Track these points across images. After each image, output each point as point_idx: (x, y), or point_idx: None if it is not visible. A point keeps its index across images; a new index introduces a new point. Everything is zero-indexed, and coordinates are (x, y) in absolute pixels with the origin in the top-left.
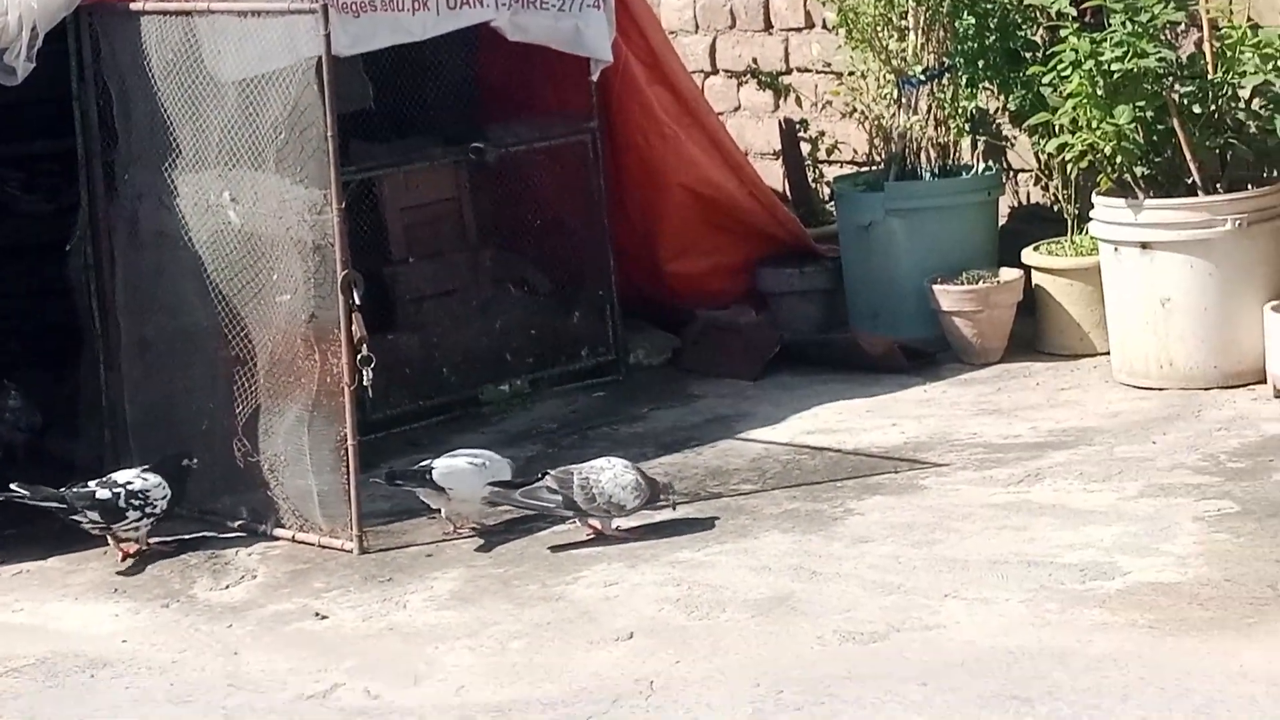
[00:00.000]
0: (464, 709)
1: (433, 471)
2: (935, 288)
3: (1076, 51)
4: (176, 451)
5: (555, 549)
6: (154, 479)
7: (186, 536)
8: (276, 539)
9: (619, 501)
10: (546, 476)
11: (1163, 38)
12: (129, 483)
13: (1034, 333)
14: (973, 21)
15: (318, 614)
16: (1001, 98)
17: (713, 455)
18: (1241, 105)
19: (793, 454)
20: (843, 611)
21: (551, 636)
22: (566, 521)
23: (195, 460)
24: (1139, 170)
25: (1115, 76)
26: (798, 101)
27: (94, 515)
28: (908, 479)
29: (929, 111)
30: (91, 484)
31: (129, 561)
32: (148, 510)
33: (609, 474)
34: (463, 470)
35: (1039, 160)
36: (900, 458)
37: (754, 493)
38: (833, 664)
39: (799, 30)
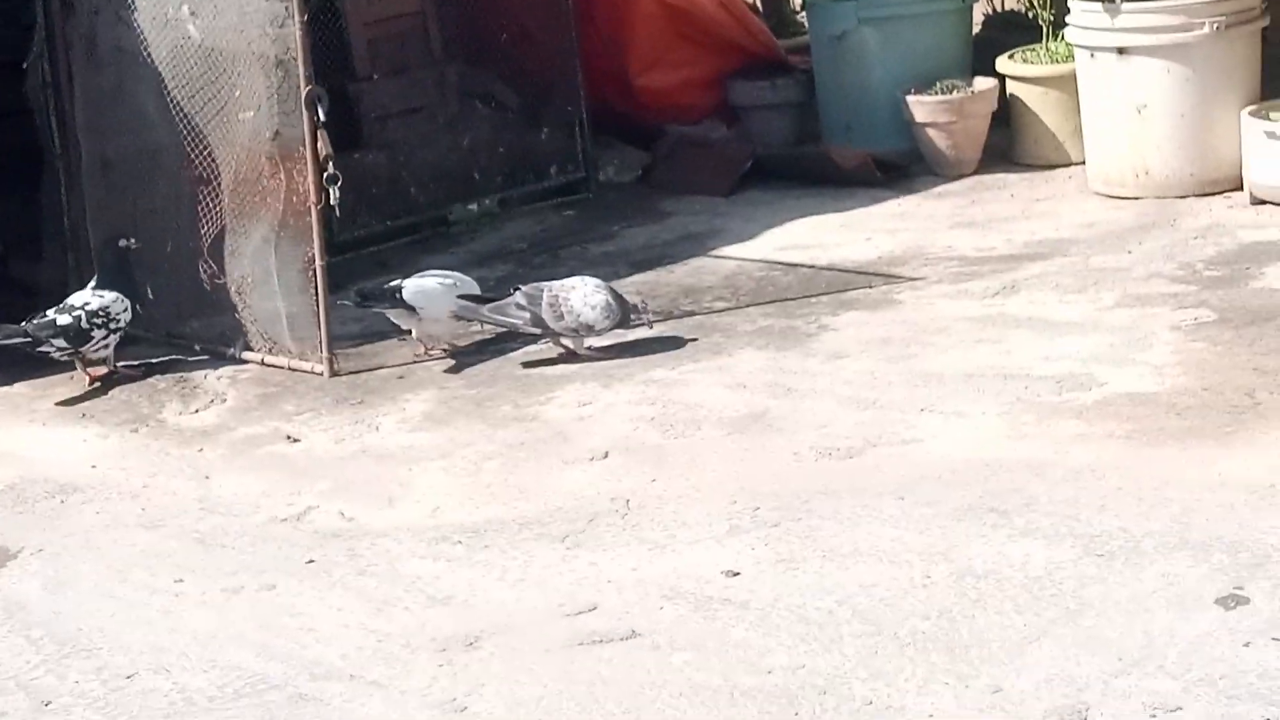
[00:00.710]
0: (439, 530)
1: (402, 291)
2: (909, 98)
3: None
4: (109, 236)
5: (527, 366)
6: (109, 294)
7: (154, 360)
8: (245, 362)
9: (588, 321)
10: (516, 293)
11: None
12: (86, 303)
13: (1009, 143)
14: None
15: (289, 437)
16: None
17: (685, 273)
18: None
19: (766, 270)
20: (818, 427)
21: (526, 457)
22: (539, 341)
23: (133, 241)
24: None
25: None
26: None
27: (59, 342)
28: (882, 294)
29: None
30: (50, 312)
31: (96, 384)
32: (112, 326)
33: (579, 293)
34: (432, 289)
35: None
36: (874, 272)
37: (728, 310)
38: (809, 479)
39: None
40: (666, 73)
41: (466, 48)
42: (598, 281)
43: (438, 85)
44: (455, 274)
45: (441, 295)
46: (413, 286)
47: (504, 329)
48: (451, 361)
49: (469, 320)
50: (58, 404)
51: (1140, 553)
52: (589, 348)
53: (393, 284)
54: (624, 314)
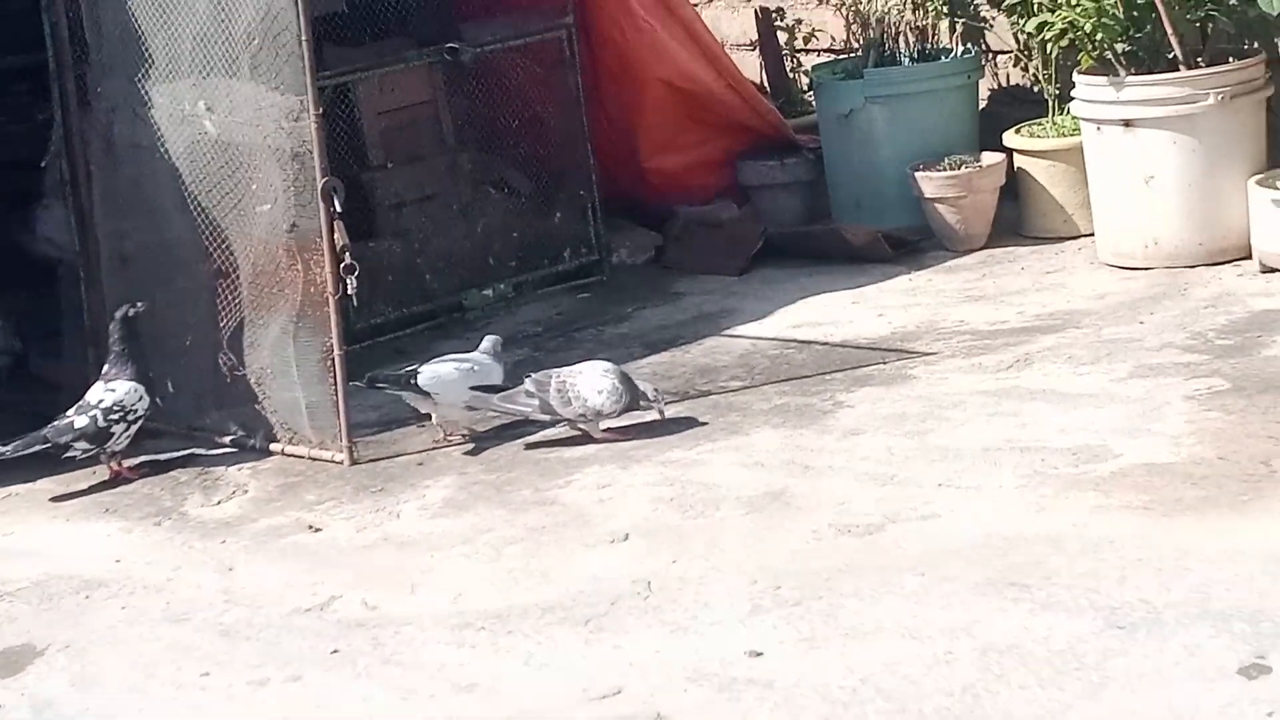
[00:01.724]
0: (462, 616)
1: (418, 376)
2: (917, 174)
3: None
4: (119, 303)
5: (546, 449)
6: (122, 386)
7: (175, 454)
8: (266, 453)
9: (595, 407)
10: (526, 380)
11: None
12: (101, 400)
13: (1018, 216)
14: None
15: (311, 527)
16: None
17: (700, 353)
18: None
19: (780, 348)
20: (837, 505)
21: (547, 541)
22: (557, 425)
23: (139, 305)
24: (1120, 47)
25: None
26: None
27: (82, 445)
28: (896, 369)
29: None
30: (69, 413)
31: (120, 478)
32: (130, 418)
33: (586, 379)
34: (448, 375)
35: (1018, 41)
36: (888, 348)
37: (743, 389)
38: (829, 558)
39: None
40: (677, 155)
41: (478, 135)
42: (606, 365)
43: (451, 172)
44: (476, 356)
45: (457, 381)
46: (429, 372)
47: (517, 417)
48: (471, 446)
49: (481, 410)
50: (80, 496)
51: (1161, 624)
52: (605, 430)
53: (409, 369)
54: (633, 397)
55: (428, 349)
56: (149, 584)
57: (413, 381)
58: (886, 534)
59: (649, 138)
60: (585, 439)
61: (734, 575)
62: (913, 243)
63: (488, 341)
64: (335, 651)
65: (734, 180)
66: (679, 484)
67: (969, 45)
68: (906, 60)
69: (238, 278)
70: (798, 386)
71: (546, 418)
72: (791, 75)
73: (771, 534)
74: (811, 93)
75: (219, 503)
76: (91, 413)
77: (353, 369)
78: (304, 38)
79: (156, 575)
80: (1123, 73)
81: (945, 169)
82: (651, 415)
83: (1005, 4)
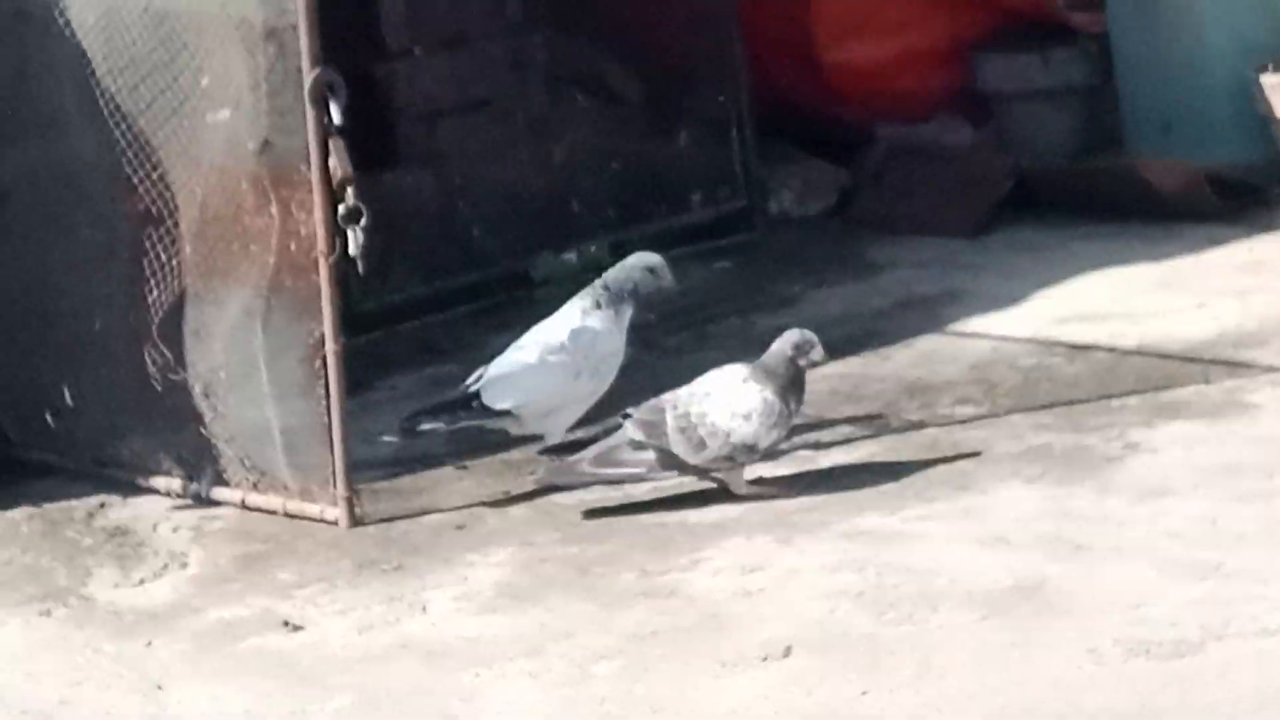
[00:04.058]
0: None
1: (481, 391)
2: (1265, 79)
3: None
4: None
5: (657, 511)
6: None
7: (74, 502)
8: (216, 503)
9: (744, 440)
10: (627, 423)
11: None
12: None
13: None
14: None
15: (287, 623)
16: None
17: (909, 360)
18: None
19: (1039, 356)
20: (1128, 609)
21: (660, 655)
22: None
23: None
24: None
25: None
26: None
27: None
28: (1226, 393)
29: None
30: None
31: None
32: None
33: (720, 399)
34: (530, 372)
35: None
36: (1213, 359)
37: (979, 420)
38: (1114, 693)
39: None
40: (875, 41)
41: (560, 6)
42: (746, 368)
43: (515, 64)
44: (574, 319)
45: (547, 377)
46: (496, 375)
47: (621, 482)
48: (537, 499)
49: (562, 486)
50: None
51: None
52: (755, 480)
53: (472, 380)
54: (798, 400)
55: (473, 343)
56: (32, 708)
57: (475, 403)
58: (1208, 657)
59: (830, 11)
60: (720, 494)
61: (960, 718)
62: (1256, 190)
63: (620, 274)
64: None
65: (967, 84)
66: (872, 569)
67: None
68: None
69: (177, 226)
70: (1066, 417)
71: (671, 474)
72: None
73: (1021, 652)
74: None
75: (142, 582)
76: None
77: (356, 374)
78: None
79: (44, 695)
80: None
81: None
82: (837, 454)
83: None
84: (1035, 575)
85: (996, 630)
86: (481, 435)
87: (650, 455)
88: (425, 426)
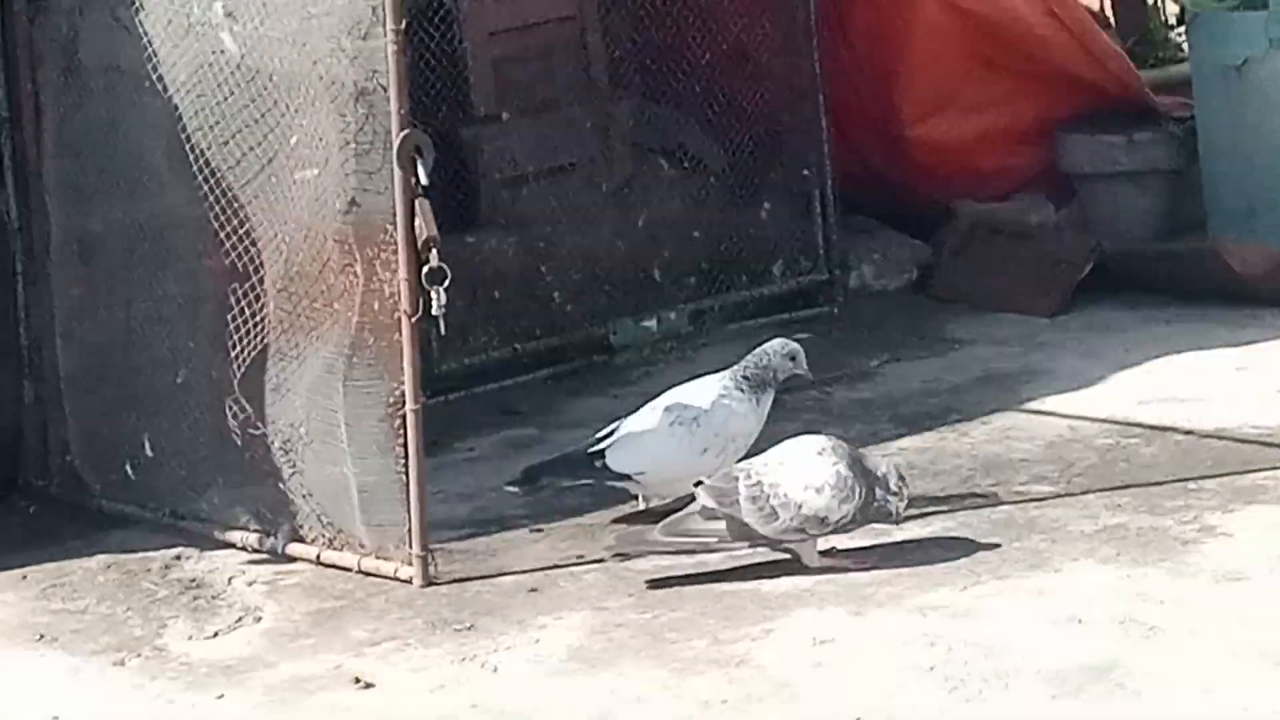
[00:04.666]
0: None
1: (606, 452)
2: None
3: None
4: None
5: (730, 580)
6: None
7: (151, 553)
8: (292, 559)
9: (814, 512)
10: (700, 490)
11: None
12: None
13: None
14: None
15: (359, 680)
16: None
17: (986, 436)
18: None
19: (1116, 436)
20: (1203, 693)
21: None
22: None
23: None
24: None
25: None
26: None
27: None
28: None
29: None
30: None
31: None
32: None
33: (794, 470)
34: (658, 440)
35: None
36: None
37: (1055, 498)
38: None
39: None
40: (960, 119)
41: (647, 75)
42: (822, 441)
43: (600, 131)
44: (715, 390)
45: (673, 444)
46: (623, 438)
47: (692, 552)
48: (611, 565)
49: (633, 554)
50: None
51: None
52: (829, 551)
53: (596, 439)
54: (870, 492)
55: (551, 407)
56: None
57: (600, 463)
58: None
59: (916, 89)
60: (793, 565)
61: None
62: None
63: (762, 359)
64: None
65: (1050, 164)
66: (944, 644)
67: None
68: None
69: (261, 282)
70: (1143, 498)
71: (742, 545)
72: (1151, 1)
73: None
74: (1183, 30)
75: (216, 634)
76: None
77: (434, 432)
78: None
79: None
80: None
81: None
82: (905, 530)
83: None
84: (1107, 656)
85: (1067, 710)
86: (558, 498)
87: (721, 525)
88: (545, 480)
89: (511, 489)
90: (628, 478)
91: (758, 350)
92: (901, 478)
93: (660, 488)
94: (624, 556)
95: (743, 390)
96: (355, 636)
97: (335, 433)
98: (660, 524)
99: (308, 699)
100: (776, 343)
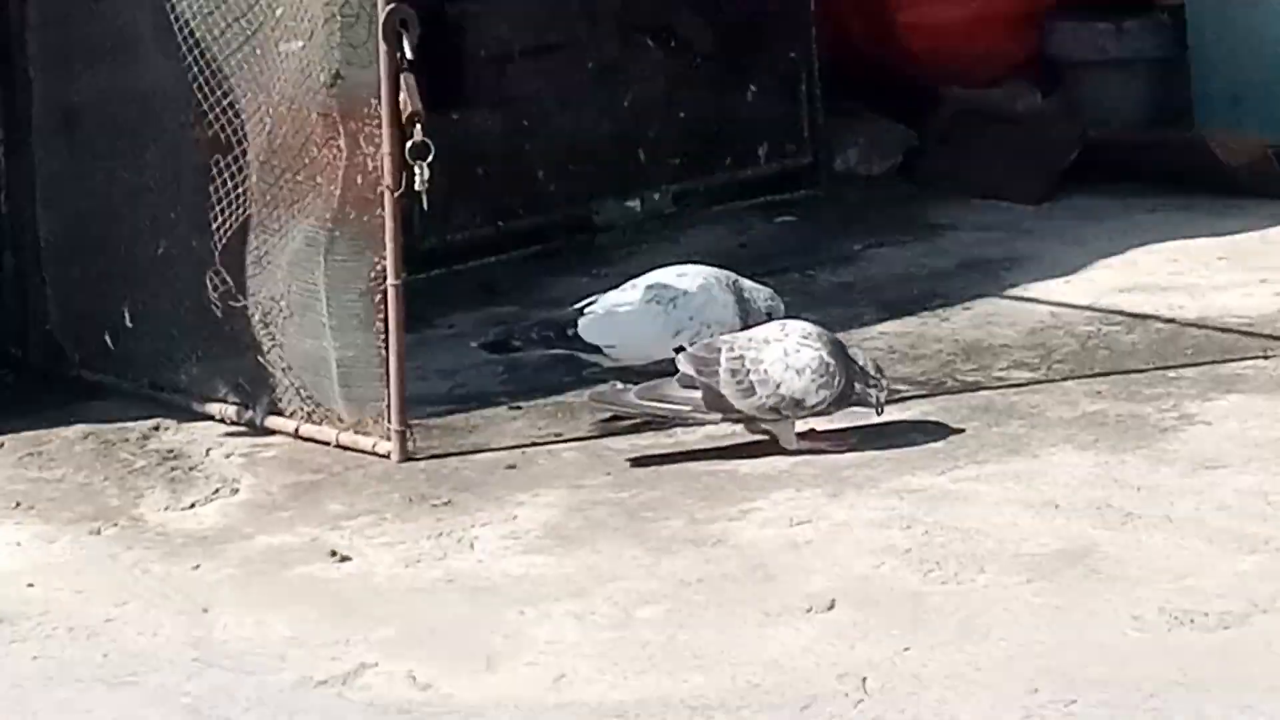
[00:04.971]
0: (565, 709)
1: (579, 319)
2: None
3: None
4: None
5: (707, 460)
6: None
7: (129, 424)
8: (271, 432)
9: (792, 394)
10: (680, 357)
11: None
12: None
13: None
14: None
15: (335, 553)
16: None
17: (968, 322)
18: None
19: (1097, 324)
20: (1175, 579)
21: (705, 602)
22: (730, 424)
23: None
24: None
25: None
26: None
27: None
28: None
29: None
30: None
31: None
32: None
33: (777, 350)
34: (632, 317)
35: None
36: (1272, 334)
37: (1034, 385)
38: (1157, 661)
39: None
40: (949, 3)
41: None
42: (806, 327)
43: (586, 10)
44: (695, 278)
45: (651, 327)
46: (600, 314)
47: (665, 418)
48: (592, 442)
49: (605, 409)
50: None
51: None
52: (807, 432)
53: (575, 309)
54: (849, 381)
55: (534, 286)
56: (79, 624)
57: (572, 332)
58: (1252, 629)
59: None
60: (772, 446)
61: (1002, 677)
62: None
63: (754, 292)
64: None
65: (1038, 50)
66: (920, 527)
67: None
68: None
69: (244, 154)
70: (1122, 386)
71: (714, 416)
72: None
73: (1065, 616)
74: None
75: (193, 505)
76: None
77: (415, 310)
78: None
79: (91, 612)
80: None
81: None
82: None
83: None
84: (1083, 541)
85: (1041, 594)
86: (537, 376)
87: (697, 394)
88: (517, 342)
89: (483, 350)
90: (598, 350)
91: (753, 285)
92: (880, 369)
93: (630, 364)
94: (605, 434)
95: (728, 288)
96: (332, 510)
97: (316, 307)
98: (637, 386)
99: (284, 571)
100: (768, 291)
